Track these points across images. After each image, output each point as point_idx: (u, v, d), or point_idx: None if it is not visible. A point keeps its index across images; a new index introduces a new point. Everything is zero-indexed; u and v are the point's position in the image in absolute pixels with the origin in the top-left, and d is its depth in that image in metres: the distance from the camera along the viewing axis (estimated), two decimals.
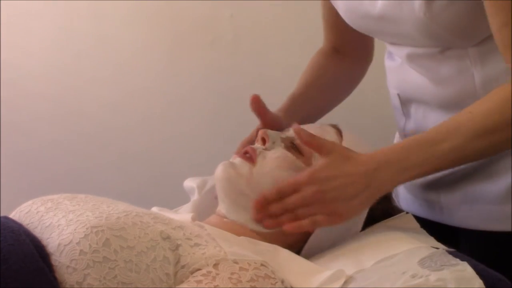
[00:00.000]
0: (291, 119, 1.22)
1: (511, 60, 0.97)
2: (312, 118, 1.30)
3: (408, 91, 1.21)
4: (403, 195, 1.28)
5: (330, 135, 1.15)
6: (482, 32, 1.04)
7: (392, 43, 1.19)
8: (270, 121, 1.19)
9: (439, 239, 1.06)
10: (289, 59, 2.08)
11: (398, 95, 1.24)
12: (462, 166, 1.13)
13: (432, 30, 1.03)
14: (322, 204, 0.98)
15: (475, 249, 1.02)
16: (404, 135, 1.26)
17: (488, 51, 1.06)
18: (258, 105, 1.17)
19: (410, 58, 1.15)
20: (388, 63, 1.28)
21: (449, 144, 0.98)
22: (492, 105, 0.97)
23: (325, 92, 1.34)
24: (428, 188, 1.22)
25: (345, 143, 1.13)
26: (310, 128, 1.14)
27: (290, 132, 1.17)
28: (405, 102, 1.23)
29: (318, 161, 1.02)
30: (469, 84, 1.09)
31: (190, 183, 1.29)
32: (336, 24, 1.30)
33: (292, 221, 1.00)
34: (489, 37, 1.03)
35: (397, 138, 1.34)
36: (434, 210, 1.22)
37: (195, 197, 1.26)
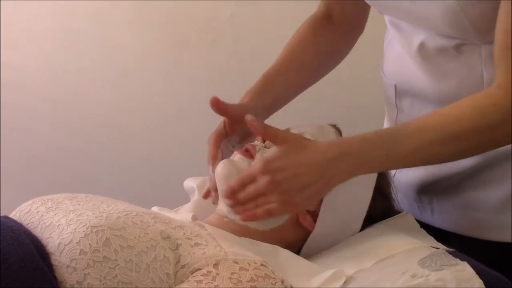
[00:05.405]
0: (261, 101, 1.19)
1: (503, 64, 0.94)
2: (284, 99, 1.26)
3: (405, 84, 1.19)
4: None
5: (329, 135, 1.14)
6: None
7: (398, 28, 1.15)
8: (234, 115, 1.15)
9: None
10: None
11: (395, 86, 1.22)
12: (457, 172, 1.13)
13: (458, 19, 0.99)
14: (276, 193, 0.96)
15: (462, 252, 1.01)
16: None
17: None
18: (217, 107, 1.14)
19: (421, 49, 1.11)
20: (388, 51, 1.25)
21: (413, 145, 0.95)
22: (462, 111, 0.95)
23: (305, 68, 1.28)
24: (422, 191, 1.21)
25: None
26: (308, 127, 1.14)
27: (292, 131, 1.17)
28: (401, 94, 1.21)
29: (272, 150, 1.00)
30: (476, 81, 1.06)
31: (190, 183, 1.28)
32: None
33: (250, 211, 0.99)
34: None
35: (385, 126, 1.31)
36: (425, 212, 1.21)
37: (195, 197, 1.25)
